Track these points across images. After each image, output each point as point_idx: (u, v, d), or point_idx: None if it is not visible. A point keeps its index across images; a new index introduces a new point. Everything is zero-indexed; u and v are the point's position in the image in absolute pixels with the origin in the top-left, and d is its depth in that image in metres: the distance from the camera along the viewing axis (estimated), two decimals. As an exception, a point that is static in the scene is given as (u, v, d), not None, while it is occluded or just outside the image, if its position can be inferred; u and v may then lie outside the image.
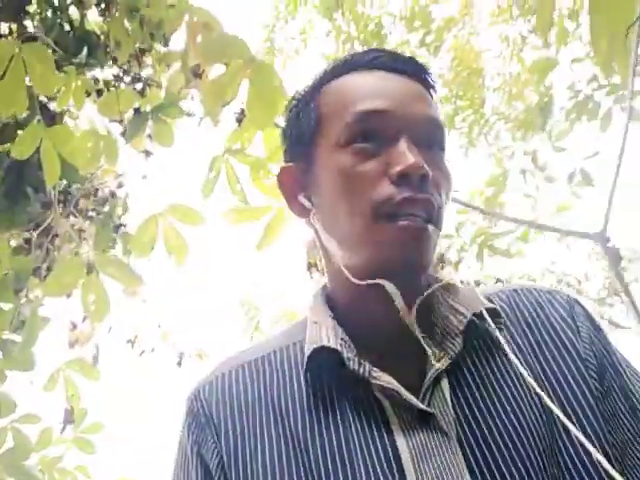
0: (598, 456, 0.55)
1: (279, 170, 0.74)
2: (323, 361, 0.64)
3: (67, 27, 2.21)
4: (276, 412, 0.65)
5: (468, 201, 3.24)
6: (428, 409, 0.60)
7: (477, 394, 0.62)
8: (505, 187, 3.51)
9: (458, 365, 0.63)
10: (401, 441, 0.59)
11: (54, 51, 1.94)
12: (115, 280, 1.86)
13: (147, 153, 2.63)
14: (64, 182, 2.26)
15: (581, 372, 0.64)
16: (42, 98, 2.11)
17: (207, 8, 1.97)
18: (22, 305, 1.98)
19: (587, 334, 0.67)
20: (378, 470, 0.58)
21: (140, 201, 2.73)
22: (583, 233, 2.39)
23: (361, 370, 0.62)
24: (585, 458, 0.59)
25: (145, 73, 2.49)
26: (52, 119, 2.10)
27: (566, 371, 0.64)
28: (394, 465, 0.58)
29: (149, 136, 2.37)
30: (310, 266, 2.93)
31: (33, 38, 1.86)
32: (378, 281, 0.62)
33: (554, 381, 0.64)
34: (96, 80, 2.37)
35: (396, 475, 0.57)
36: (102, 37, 2.30)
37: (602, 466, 0.56)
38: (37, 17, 2.09)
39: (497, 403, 0.61)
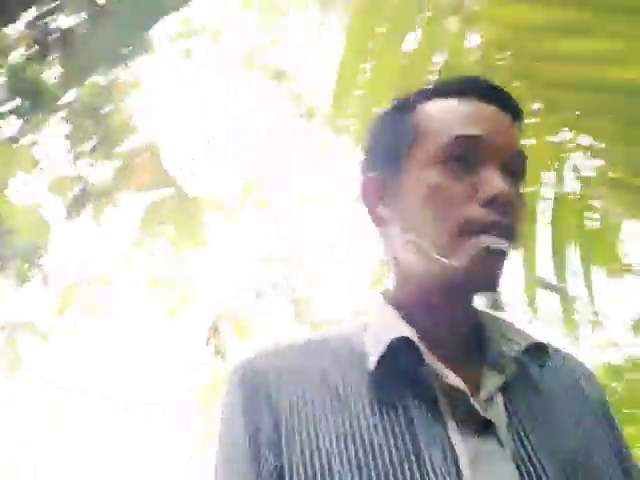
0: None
1: (363, 179, 0.78)
2: (395, 354, 0.67)
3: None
4: (332, 391, 0.67)
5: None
6: (490, 418, 0.64)
7: (526, 413, 0.67)
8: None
9: (510, 386, 0.68)
10: (459, 444, 0.62)
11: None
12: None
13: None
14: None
15: (603, 432, 0.73)
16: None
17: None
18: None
19: (606, 407, 0.77)
20: (442, 468, 0.60)
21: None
22: None
23: (435, 367, 0.66)
24: None
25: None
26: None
27: (595, 426, 0.72)
28: (454, 466, 0.60)
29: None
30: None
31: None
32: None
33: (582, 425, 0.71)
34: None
35: (455, 476, 0.60)
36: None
37: None
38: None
39: (543, 427, 0.67)
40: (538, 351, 0.71)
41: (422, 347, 0.66)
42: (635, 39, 1.26)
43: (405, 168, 0.73)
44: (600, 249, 1.58)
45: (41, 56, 2.76)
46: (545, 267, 1.59)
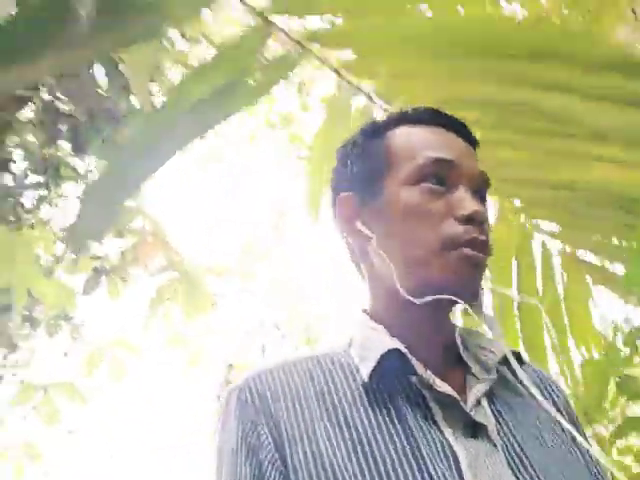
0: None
1: (339, 198, 0.80)
2: (387, 364, 0.69)
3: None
4: (329, 408, 0.68)
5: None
6: (482, 421, 0.66)
7: (510, 415, 0.71)
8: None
9: (492, 391, 0.72)
10: (458, 448, 0.64)
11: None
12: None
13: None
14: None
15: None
16: None
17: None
18: None
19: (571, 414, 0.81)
20: (444, 470, 0.62)
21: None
22: None
23: (426, 376, 0.68)
24: None
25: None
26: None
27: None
28: (455, 469, 0.62)
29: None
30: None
31: None
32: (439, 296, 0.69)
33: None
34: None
35: (457, 478, 0.61)
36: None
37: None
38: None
39: (527, 428, 0.71)
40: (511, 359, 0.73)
41: (411, 357, 0.69)
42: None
43: (382, 189, 0.76)
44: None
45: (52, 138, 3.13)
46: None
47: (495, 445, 0.66)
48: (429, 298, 0.69)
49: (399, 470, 0.62)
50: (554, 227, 1.41)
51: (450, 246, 0.70)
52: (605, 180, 1.12)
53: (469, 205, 0.71)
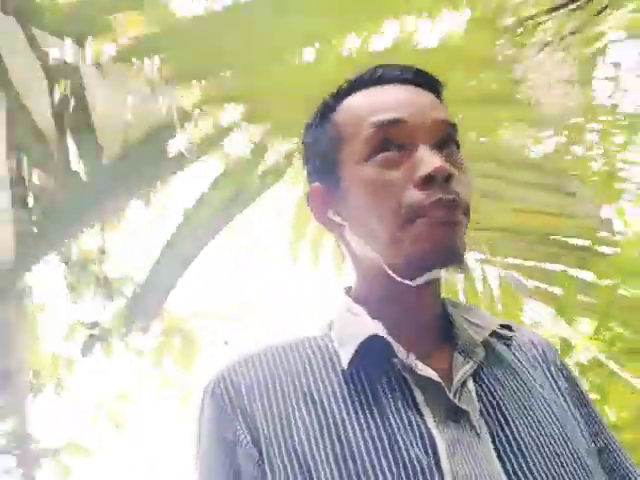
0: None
1: (308, 190, 0.77)
2: (367, 350, 0.66)
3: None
4: (305, 394, 0.66)
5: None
6: (463, 406, 0.64)
7: (499, 396, 0.68)
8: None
9: (481, 369, 0.69)
10: (436, 432, 0.62)
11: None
12: None
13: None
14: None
15: (562, 390, 0.76)
16: None
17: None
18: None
19: (566, 371, 0.80)
20: (419, 454, 0.60)
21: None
22: None
23: (408, 361, 0.66)
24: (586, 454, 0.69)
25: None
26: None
27: (554, 387, 0.76)
28: (431, 453, 0.61)
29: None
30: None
31: None
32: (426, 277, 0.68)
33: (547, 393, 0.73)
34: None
35: (432, 463, 0.60)
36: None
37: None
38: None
39: (519, 406, 0.68)
40: (503, 332, 0.73)
41: (392, 341, 0.66)
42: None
43: (339, 173, 0.72)
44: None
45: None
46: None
47: (477, 431, 0.64)
48: (420, 280, 0.68)
49: (374, 456, 0.61)
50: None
51: (414, 216, 0.66)
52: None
53: (428, 164, 0.66)
